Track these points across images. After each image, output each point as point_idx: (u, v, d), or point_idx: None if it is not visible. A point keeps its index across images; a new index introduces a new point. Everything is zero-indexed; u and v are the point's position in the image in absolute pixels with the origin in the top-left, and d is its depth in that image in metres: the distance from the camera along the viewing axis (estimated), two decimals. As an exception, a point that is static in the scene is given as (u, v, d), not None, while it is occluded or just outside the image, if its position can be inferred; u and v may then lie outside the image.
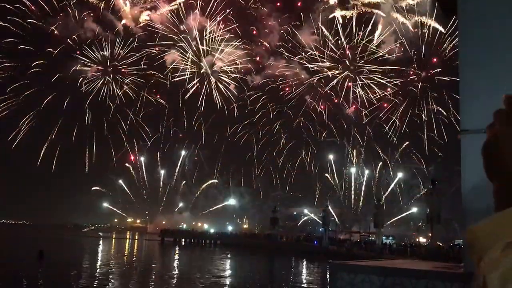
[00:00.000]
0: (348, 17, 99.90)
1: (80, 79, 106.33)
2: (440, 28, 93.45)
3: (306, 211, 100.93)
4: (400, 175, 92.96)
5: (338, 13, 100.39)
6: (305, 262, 50.17)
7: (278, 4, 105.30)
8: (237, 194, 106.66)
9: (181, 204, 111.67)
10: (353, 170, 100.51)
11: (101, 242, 78.37)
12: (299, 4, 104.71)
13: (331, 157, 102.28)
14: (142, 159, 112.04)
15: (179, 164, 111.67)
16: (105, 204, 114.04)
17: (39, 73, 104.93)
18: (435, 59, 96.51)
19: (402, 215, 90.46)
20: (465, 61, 6.39)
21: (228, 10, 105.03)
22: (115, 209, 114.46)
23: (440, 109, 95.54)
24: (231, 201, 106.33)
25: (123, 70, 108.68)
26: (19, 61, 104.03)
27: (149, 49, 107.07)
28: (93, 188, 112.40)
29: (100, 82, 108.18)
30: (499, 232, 0.65)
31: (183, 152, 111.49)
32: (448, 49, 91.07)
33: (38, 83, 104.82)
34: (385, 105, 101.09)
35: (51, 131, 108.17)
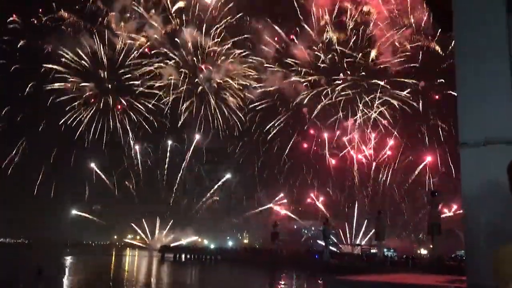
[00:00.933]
0: (342, 39, 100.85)
1: (77, 101, 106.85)
2: (437, 47, 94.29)
3: (308, 225, 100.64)
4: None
5: (331, 34, 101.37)
6: (306, 277, 49.80)
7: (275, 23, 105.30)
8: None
9: (181, 220, 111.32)
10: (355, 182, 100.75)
11: (99, 258, 77.84)
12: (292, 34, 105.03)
13: (332, 171, 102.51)
14: (141, 175, 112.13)
15: (178, 178, 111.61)
16: (74, 212, 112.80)
17: (34, 94, 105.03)
18: (436, 96, 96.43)
19: (405, 227, 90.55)
20: (462, 74, 6.40)
21: (223, 25, 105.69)
22: (87, 215, 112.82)
23: (440, 123, 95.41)
24: None
25: (120, 89, 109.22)
26: (12, 82, 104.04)
27: (146, 66, 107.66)
28: (93, 207, 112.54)
29: (97, 102, 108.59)
30: None
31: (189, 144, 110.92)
32: (447, 57, 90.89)
33: (33, 105, 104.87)
34: (384, 120, 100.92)
35: (50, 154, 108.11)
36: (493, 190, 5.55)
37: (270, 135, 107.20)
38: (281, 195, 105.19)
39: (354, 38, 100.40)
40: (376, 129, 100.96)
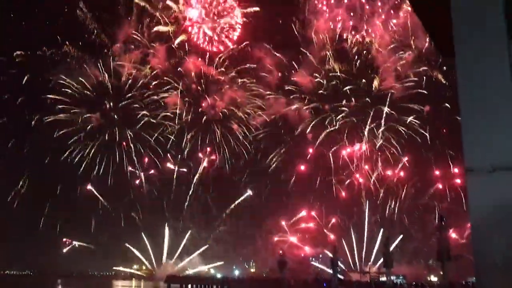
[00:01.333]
0: (344, 68, 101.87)
1: (82, 133, 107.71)
2: (440, 77, 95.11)
3: (315, 253, 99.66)
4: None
5: (332, 62, 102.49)
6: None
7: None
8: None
9: (188, 250, 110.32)
10: (365, 209, 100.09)
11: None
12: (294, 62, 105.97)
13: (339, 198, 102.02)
14: (147, 205, 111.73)
15: (185, 208, 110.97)
16: (79, 243, 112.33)
17: (39, 127, 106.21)
18: (444, 129, 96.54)
19: (415, 253, 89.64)
20: (465, 100, 6.37)
21: (226, 54, 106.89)
22: (92, 246, 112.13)
23: (447, 148, 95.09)
24: None
25: (126, 119, 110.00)
26: (17, 115, 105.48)
27: (152, 96, 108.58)
28: (99, 238, 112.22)
29: (102, 134, 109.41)
30: None
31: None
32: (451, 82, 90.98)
33: (38, 138, 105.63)
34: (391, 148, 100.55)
35: (56, 186, 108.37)
36: (501, 216, 5.46)
37: (276, 163, 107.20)
38: (303, 212, 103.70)
39: (357, 65, 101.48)
40: (383, 154, 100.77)
